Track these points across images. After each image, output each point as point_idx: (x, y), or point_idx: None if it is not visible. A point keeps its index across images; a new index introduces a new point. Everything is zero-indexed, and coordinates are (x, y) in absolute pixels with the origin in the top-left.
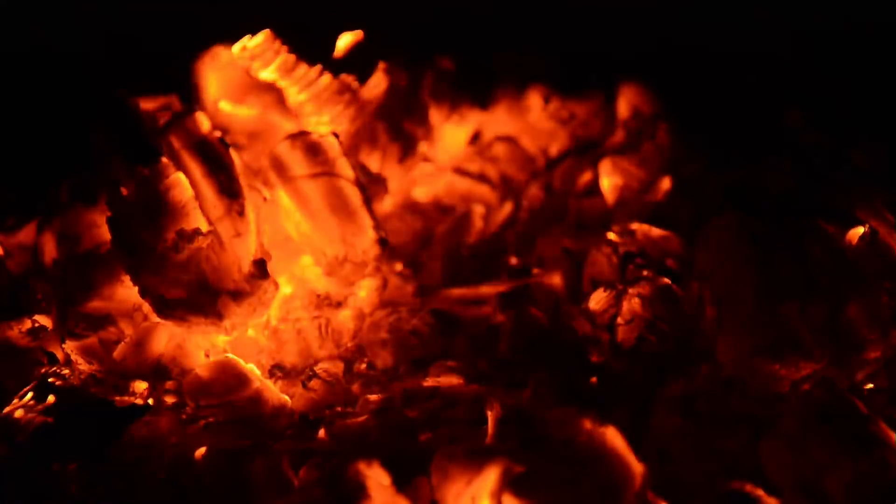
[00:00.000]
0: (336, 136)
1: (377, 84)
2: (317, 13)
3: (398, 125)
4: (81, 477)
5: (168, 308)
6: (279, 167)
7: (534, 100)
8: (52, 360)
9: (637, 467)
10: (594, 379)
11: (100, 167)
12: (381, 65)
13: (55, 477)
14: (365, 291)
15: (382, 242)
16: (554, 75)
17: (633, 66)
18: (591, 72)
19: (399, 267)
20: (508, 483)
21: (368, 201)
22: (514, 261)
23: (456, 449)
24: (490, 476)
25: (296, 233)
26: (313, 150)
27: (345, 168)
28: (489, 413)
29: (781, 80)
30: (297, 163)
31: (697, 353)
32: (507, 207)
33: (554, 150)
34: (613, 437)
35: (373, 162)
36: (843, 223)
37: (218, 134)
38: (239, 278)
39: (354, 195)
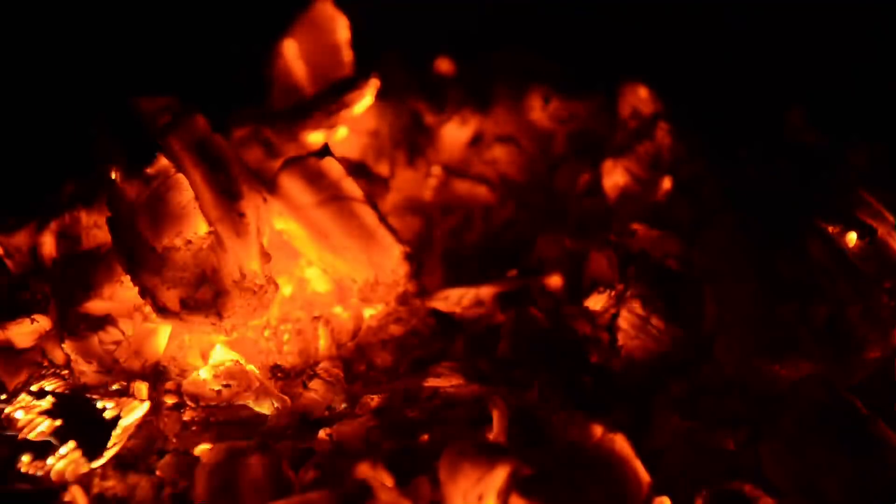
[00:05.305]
0: (329, 150)
1: (367, 95)
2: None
3: (398, 131)
4: (81, 477)
5: (168, 308)
6: (284, 198)
7: (534, 100)
8: (52, 360)
9: (644, 476)
10: (589, 378)
11: (100, 167)
12: (372, 76)
13: (55, 477)
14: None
15: (410, 258)
16: (554, 75)
17: (633, 66)
18: (592, 71)
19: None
20: (516, 484)
21: (385, 219)
22: (514, 261)
23: (466, 446)
24: (499, 475)
25: (319, 262)
26: (314, 175)
27: (351, 188)
28: (494, 412)
29: (781, 80)
30: (301, 191)
31: (697, 353)
32: (508, 208)
33: (554, 150)
34: (622, 444)
35: (382, 169)
36: (843, 223)
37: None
38: (239, 279)
39: (369, 215)
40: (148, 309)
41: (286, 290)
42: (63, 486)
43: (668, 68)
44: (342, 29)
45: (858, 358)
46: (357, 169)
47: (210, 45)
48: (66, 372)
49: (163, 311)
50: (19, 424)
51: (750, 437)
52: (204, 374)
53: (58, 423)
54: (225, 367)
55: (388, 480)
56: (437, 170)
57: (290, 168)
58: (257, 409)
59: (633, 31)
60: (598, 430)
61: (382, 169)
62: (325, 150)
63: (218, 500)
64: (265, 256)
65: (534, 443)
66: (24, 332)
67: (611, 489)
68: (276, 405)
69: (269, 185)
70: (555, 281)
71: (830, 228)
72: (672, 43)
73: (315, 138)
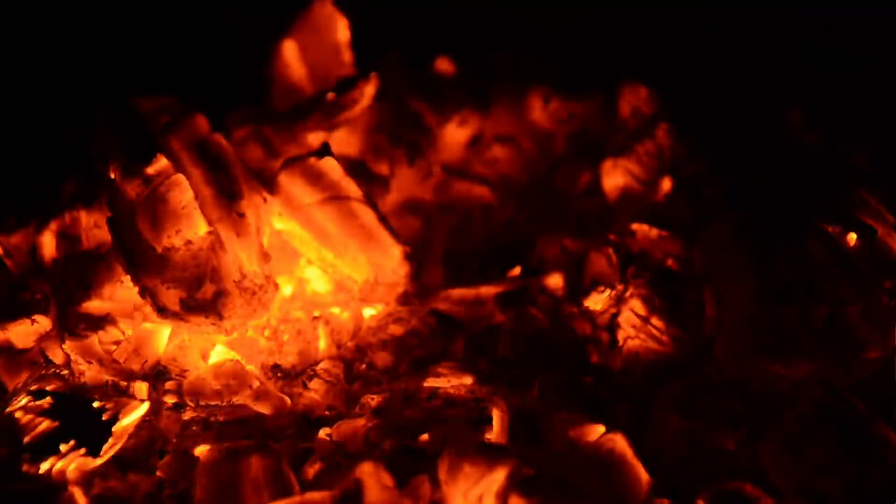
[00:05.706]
0: (329, 150)
1: (367, 94)
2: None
3: (398, 131)
4: (81, 477)
5: (168, 308)
6: (284, 198)
7: (534, 100)
8: (52, 360)
9: (644, 476)
10: (589, 378)
11: (100, 167)
12: (372, 76)
13: (55, 477)
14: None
15: (410, 258)
16: (554, 75)
17: (633, 66)
18: (592, 71)
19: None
20: (516, 484)
21: (385, 219)
22: (514, 261)
23: (466, 446)
24: (499, 475)
25: (319, 262)
26: (313, 174)
27: (351, 188)
28: (495, 412)
29: (781, 80)
30: (301, 191)
31: (697, 353)
32: (508, 208)
33: (554, 150)
34: (622, 444)
35: (382, 169)
36: (843, 223)
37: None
38: (239, 279)
39: (369, 215)
40: (148, 309)
41: (286, 290)
42: (63, 486)
43: (668, 68)
44: (342, 29)
45: (858, 358)
46: (357, 169)
47: (210, 45)
48: (66, 372)
49: (163, 311)
50: (19, 424)
51: (750, 437)
52: (204, 374)
53: (58, 423)
54: (225, 367)
55: (388, 480)
56: (437, 170)
57: (290, 168)
58: (257, 409)
59: (633, 31)
60: (598, 430)
61: (382, 169)
62: (325, 150)
63: (218, 500)
64: (265, 256)
65: (534, 443)
66: (24, 332)
67: (611, 489)
68: (275, 405)
69: (269, 185)
70: (555, 281)
71: (830, 228)
72: (672, 43)
73: (315, 138)
